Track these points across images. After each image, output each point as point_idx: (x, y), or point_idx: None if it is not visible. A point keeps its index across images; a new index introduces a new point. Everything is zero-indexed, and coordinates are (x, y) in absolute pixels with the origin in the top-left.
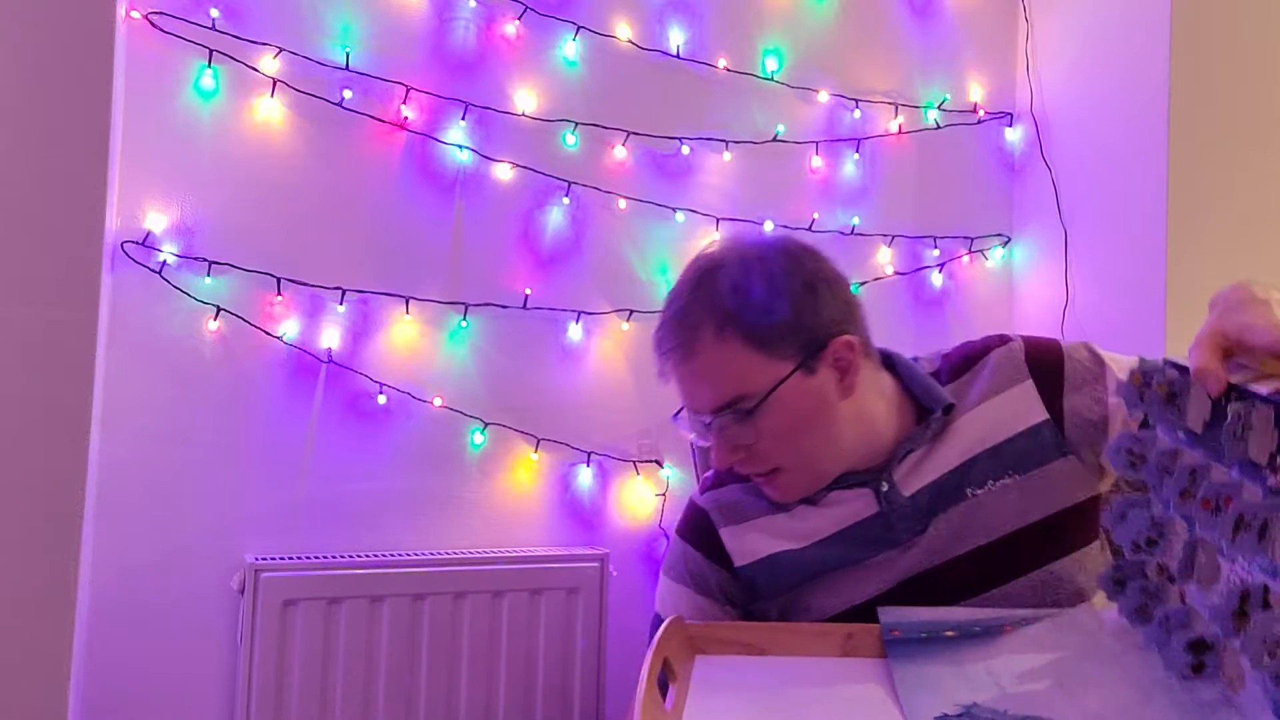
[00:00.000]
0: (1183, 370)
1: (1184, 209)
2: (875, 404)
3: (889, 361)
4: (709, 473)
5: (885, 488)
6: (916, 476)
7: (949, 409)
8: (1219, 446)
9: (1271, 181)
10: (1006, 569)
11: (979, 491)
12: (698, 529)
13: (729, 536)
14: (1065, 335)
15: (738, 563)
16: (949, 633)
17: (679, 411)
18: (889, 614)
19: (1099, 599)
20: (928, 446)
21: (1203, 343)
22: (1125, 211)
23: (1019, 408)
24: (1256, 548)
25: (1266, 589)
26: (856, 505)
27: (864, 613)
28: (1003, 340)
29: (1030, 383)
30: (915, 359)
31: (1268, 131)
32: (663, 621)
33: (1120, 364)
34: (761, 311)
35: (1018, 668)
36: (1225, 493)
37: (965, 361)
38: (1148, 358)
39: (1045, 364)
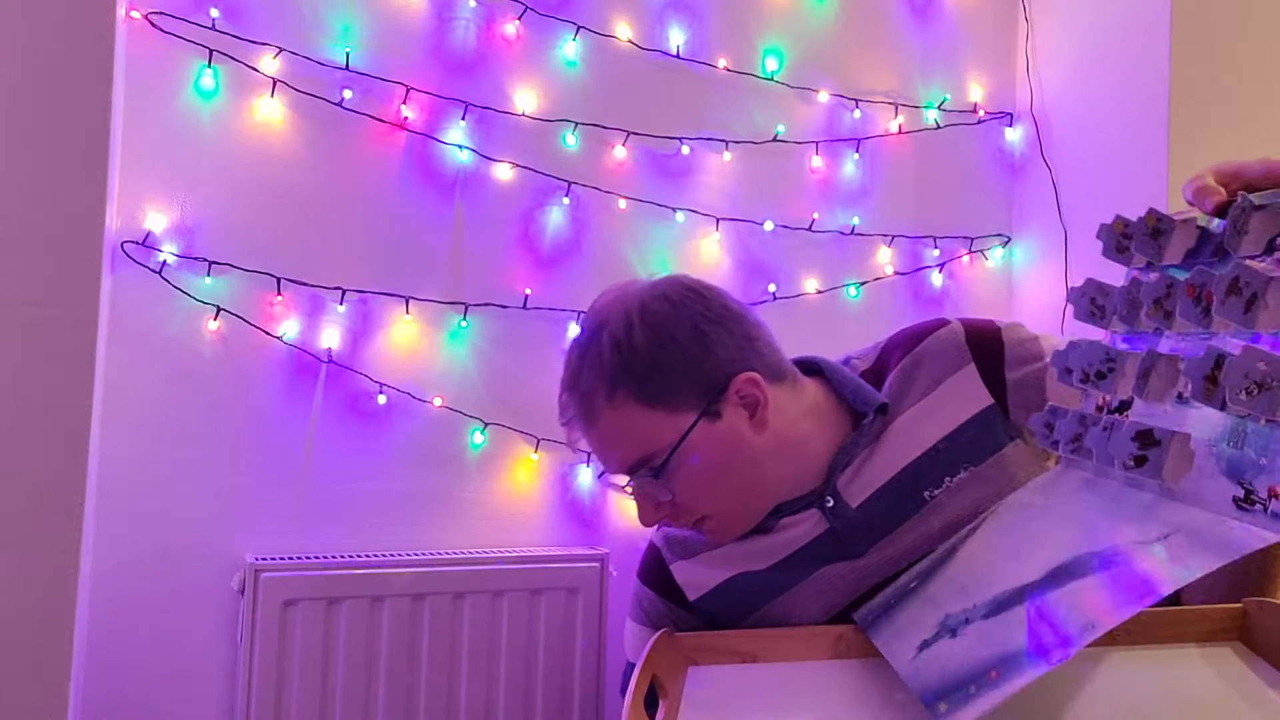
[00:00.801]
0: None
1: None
2: (799, 426)
3: (816, 369)
4: None
5: (830, 503)
6: (860, 484)
7: (883, 409)
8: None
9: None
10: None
11: (937, 492)
12: (652, 568)
13: (679, 571)
14: (1065, 335)
15: (692, 597)
16: (913, 584)
17: (600, 474)
18: (860, 613)
19: None
20: (868, 450)
21: (1198, 176)
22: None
23: (964, 395)
24: (1241, 316)
25: (1244, 350)
26: (806, 526)
27: (842, 620)
28: (942, 323)
29: (972, 365)
30: (848, 358)
31: (1268, 132)
32: (633, 668)
33: (1053, 341)
34: (649, 367)
35: (973, 566)
36: (1214, 275)
37: (904, 350)
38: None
39: (985, 343)
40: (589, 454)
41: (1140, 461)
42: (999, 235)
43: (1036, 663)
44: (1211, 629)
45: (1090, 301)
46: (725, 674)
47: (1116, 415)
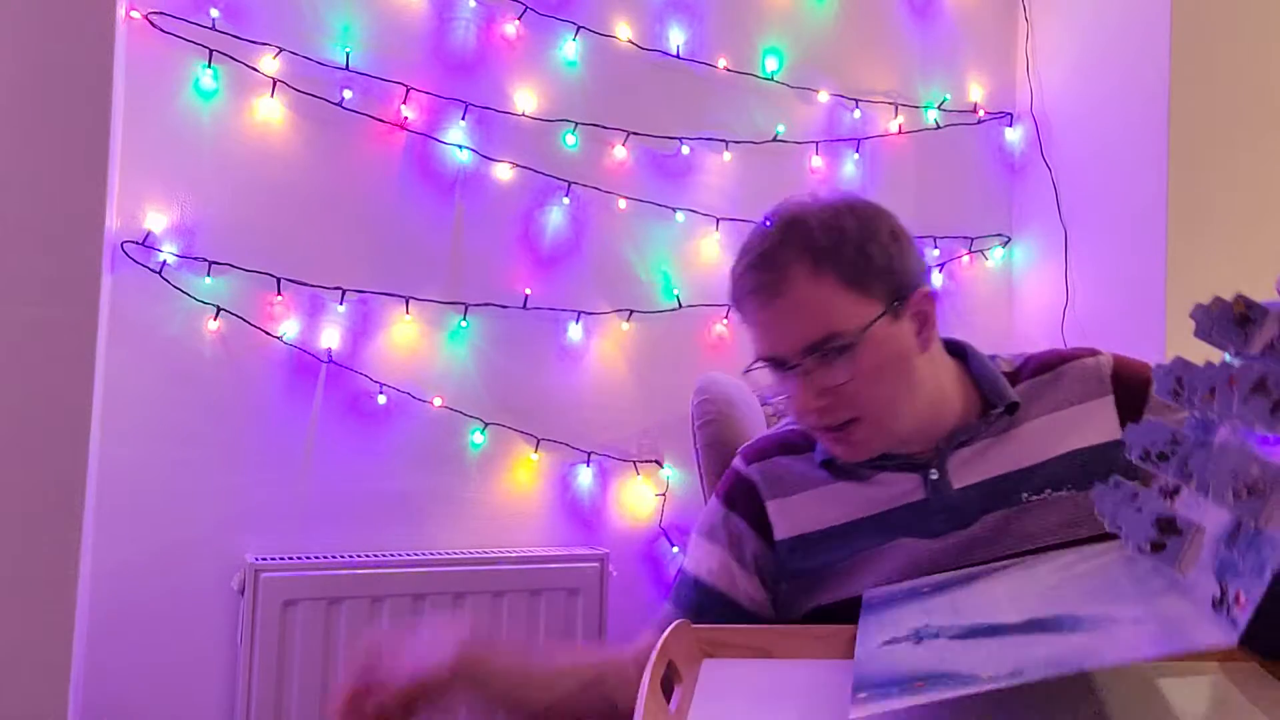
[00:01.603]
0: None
1: (1184, 209)
2: (941, 379)
3: (959, 350)
4: (752, 443)
5: (934, 476)
6: (970, 470)
7: (1013, 407)
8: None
9: (1271, 181)
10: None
11: (1033, 498)
12: (743, 496)
13: (775, 509)
14: (1065, 335)
15: (779, 535)
16: (926, 589)
17: (752, 366)
18: (869, 593)
19: None
20: (987, 442)
21: None
22: (1125, 211)
23: (1094, 422)
24: (1270, 419)
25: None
26: (903, 488)
27: None
28: (1092, 353)
29: (1111, 398)
30: (993, 356)
31: (1268, 131)
32: (692, 579)
33: None
34: (856, 251)
35: (982, 597)
36: (1248, 372)
37: (1046, 365)
38: None
39: (1132, 383)
40: (589, 454)
41: (1157, 547)
42: (999, 235)
43: (964, 684)
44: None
45: (1176, 380)
46: (739, 668)
47: (1156, 497)
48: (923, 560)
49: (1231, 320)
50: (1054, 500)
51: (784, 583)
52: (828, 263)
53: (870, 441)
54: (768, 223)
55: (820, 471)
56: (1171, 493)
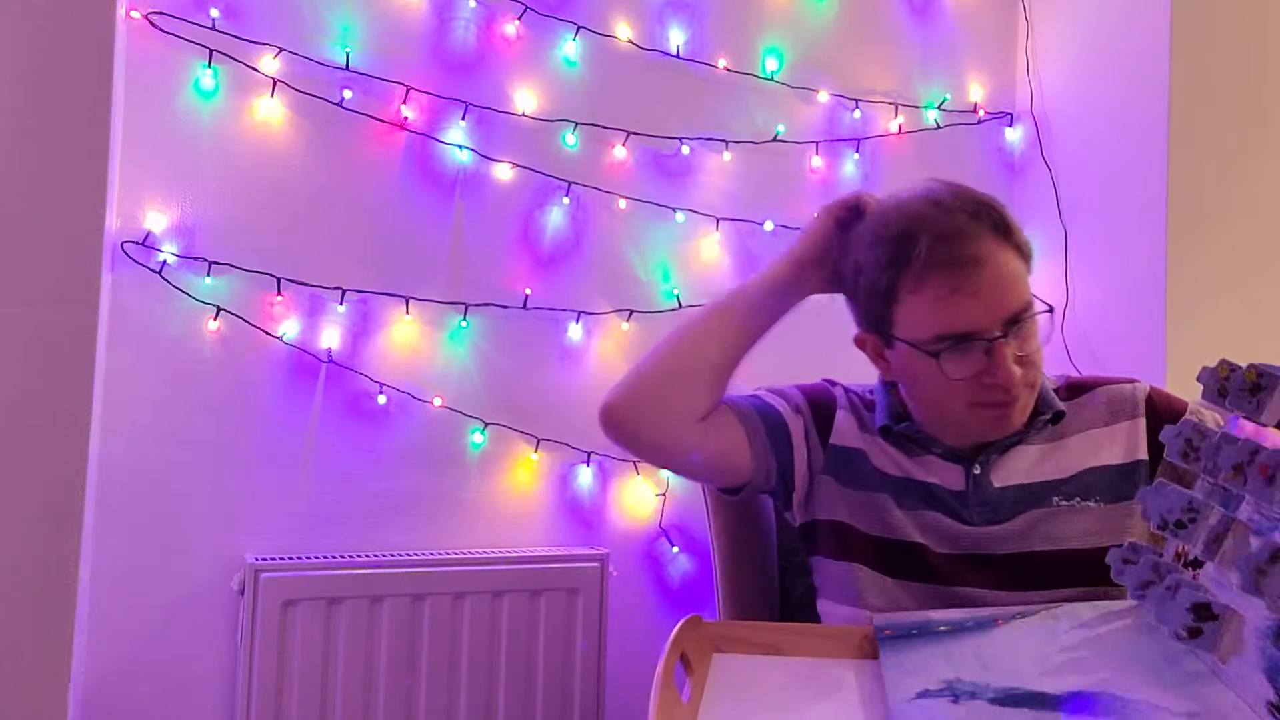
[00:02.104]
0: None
1: (1184, 209)
2: None
3: None
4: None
5: (978, 471)
6: (1010, 471)
7: (1058, 417)
8: None
9: (1271, 181)
10: (1059, 577)
11: (1063, 503)
12: (822, 398)
13: (842, 417)
14: (1065, 335)
15: (833, 440)
16: (942, 628)
17: (937, 347)
18: (882, 618)
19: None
20: (1030, 448)
21: None
22: (1125, 211)
23: (1126, 442)
24: None
25: None
26: (946, 475)
27: (906, 551)
28: (1130, 381)
29: (1143, 420)
30: None
31: (1268, 131)
32: (767, 406)
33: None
34: (1018, 228)
35: (1007, 651)
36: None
37: (1085, 386)
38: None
39: (1166, 410)
40: (589, 454)
41: (1195, 633)
42: None
43: None
44: None
45: (1186, 442)
46: (749, 664)
47: (1186, 574)
48: (957, 536)
49: (1245, 388)
50: (1082, 509)
51: (824, 475)
52: (1011, 238)
53: (1026, 409)
54: (938, 203)
55: (878, 435)
56: (1191, 562)
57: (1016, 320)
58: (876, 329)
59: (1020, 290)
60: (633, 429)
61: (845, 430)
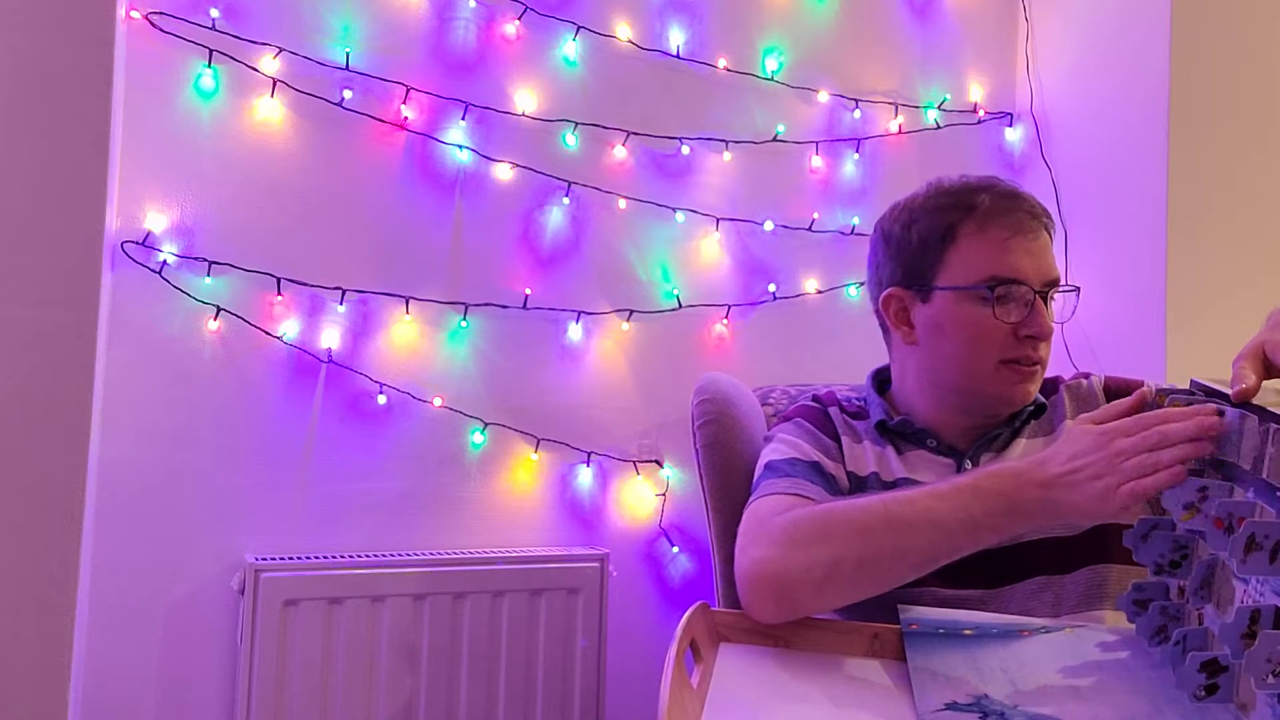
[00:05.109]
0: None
1: (1184, 209)
2: None
3: None
4: (817, 394)
5: (969, 465)
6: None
7: (1040, 409)
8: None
9: (1271, 181)
10: (1058, 562)
11: None
12: (819, 416)
13: (846, 445)
14: (1065, 336)
15: (850, 468)
16: (967, 631)
17: (993, 283)
18: (909, 611)
19: (1112, 617)
20: (1025, 441)
21: (1245, 354)
22: (1125, 211)
23: None
24: (1269, 569)
25: (1278, 610)
26: (936, 472)
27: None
28: (1086, 375)
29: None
30: None
31: (1268, 131)
32: (782, 472)
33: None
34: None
35: (1033, 669)
36: (1238, 512)
37: (1049, 385)
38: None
39: (1123, 392)
40: (589, 454)
41: (1211, 690)
42: None
43: None
44: None
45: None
46: (756, 655)
47: (1193, 613)
48: None
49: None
50: None
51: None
52: (1047, 221)
53: (1037, 386)
54: (988, 178)
55: (873, 432)
56: (1195, 591)
57: (1054, 284)
58: (916, 281)
59: (1055, 263)
60: (803, 611)
61: (850, 452)
